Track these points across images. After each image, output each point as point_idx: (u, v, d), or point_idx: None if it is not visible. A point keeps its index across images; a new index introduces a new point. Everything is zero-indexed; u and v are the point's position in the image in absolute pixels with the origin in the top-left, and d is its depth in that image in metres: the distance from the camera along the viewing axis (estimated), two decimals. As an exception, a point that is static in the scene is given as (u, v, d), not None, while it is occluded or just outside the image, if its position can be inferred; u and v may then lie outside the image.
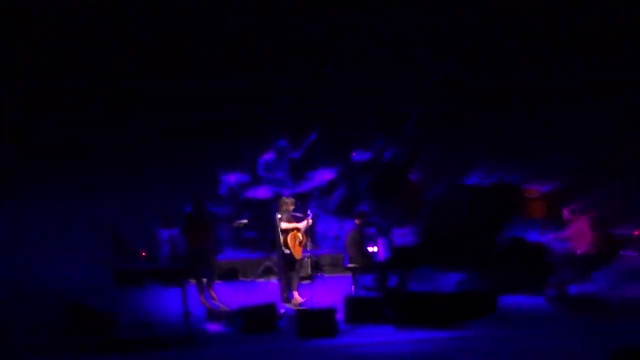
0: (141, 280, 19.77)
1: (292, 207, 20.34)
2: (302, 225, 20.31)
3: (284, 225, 19.95)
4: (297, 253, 20.35)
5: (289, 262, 20.09)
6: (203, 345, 17.97)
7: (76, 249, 22.12)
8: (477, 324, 18.87)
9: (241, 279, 22.15)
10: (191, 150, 23.84)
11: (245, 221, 21.29)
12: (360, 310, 18.85)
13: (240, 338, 18.31)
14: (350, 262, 20.65)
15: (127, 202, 23.08)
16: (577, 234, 21.29)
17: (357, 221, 20.70)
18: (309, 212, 20.66)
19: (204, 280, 20.43)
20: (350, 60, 26.60)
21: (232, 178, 22.32)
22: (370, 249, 20.96)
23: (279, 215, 20.19)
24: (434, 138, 22.96)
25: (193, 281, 20.51)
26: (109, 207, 22.95)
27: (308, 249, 20.59)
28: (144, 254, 21.24)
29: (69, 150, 25.28)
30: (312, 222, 21.00)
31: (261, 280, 21.77)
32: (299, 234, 20.15)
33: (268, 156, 23.02)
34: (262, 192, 22.19)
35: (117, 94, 26.49)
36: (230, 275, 22.55)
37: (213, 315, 19.49)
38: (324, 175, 22.12)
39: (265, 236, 21.23)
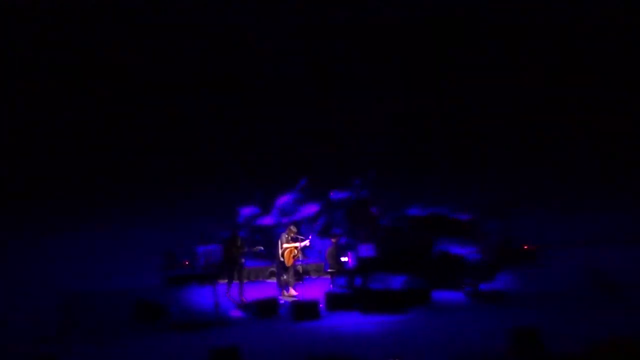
0: (185, 282, 21.74)
1: (294, 231, 21.21)
2: (302, 244, 21.30)
3: (285, 244, 20.97)
4: (288, 262, 21.21)
5: (284, 268, 21.18)
6: (228, 326, 19.74)
7: (140, 261, 23.15)
8: (417, 311, 20.34)
9: (253, 280, 22.80)
10: (217, 190, 25.46)
11: (261, 248, 21.92)
12: (336, 301, 20.47)
13: (254, 321, 20.12)
14: (329, 268, 21.74)
15: (174, 226, 24.23)
16: (487, 248, 22.22)
17: (333, 240, 21.75)
18: (310, 236, 21.72)
19: (236, 281, 21.37)
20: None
21: (246, 210, 22.87)
22: (343, 259, 21.68)
23: (285, 236, 21.06)
24: (387, 183, 23.78)
25: (223, 282, 21.59)
26: (162, 230, 24.26)
27: (300, 259, 21.79)
28: (186, 262, 22.24)
29: (130, 190, 26.98)
30: (310, 243, 21.80)
31: (268, 280, 22.63)
32: (295, 250, 21.11)
33: (287, 198, 23.26)
34: (268, 220, 22.85)
35: (164, 149, 27.45)
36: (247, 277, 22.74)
37: (236, 305, 21.06)
38: (312, 208, 22.82)
39: (271, 251, 21.83)
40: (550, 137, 30.66)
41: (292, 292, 21.48)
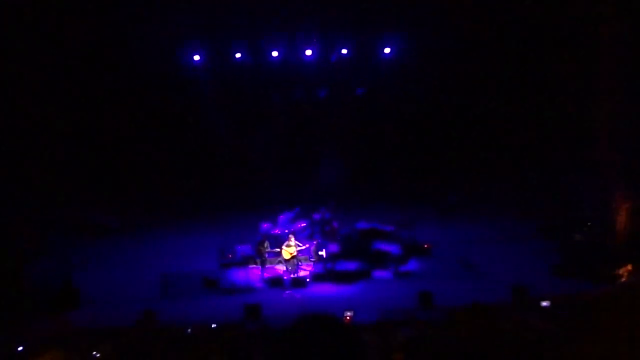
0: (230, 266, 21.82)
1: (293, 239, 21.41)
2: (300, 248, 21.42)
3: (285, 247, 21.27)
4: (286, 257, 21.30)
5: (285, 260, 21.29)
6: (254, 292, 20.44)
7: (205, 253, 22.67)
8: (363, 283, 20.92)
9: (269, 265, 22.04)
10: (249, 212, 24.09)
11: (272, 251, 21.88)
12: (316, 278, 21.16)
13: (269, 289, 20.86)
14: (312, 259, 22.08)
15: (224, 232, 23.37)
16: (402, 246, 22.50)
17: (314, 242, 22.22)
18: (306, 244, 21.90)
19: (260, 266, 21.60)
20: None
21: (264, 225, 22.51)
22: (320, 253, 22.03)
23: (288, 242, 21.38)
24: (343, 208, 23.78)
25: (252, 266, 21.89)
26: (218, 234, 23.34)
27: (300, 252, 21.53)
28: (230, 255, 22.14)
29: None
30: (304, 247, 21.71)
31: (277, 266, 22.06)
32: (292, 248, 21.30)
33: (287, 218, 22.91)
34: (277, 231, 22.43)
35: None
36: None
37: (259, 280, 21.35)
38: (302, 224, 22.73)
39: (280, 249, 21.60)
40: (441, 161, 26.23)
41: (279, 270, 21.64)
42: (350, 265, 21.55)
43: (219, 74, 24.11)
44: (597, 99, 21.14)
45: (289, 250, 21.35)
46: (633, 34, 19.63)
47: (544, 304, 16.52)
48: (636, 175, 20.36)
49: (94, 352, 12.65)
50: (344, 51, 23.94)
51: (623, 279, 18.76)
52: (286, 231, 22.30)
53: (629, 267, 18.95)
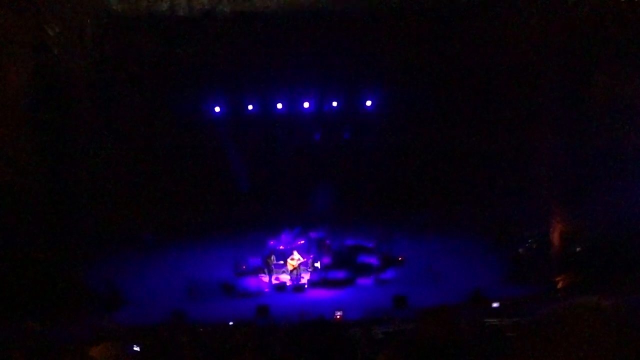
0: (244, 275, 21.66)
1: (295, 253, 21.34)
2: (300, 261, 21.25)
3: (289, 260, 21.21)
4: (291, 267, 21.23)
5: (289, 270, 21.23)
6: (263, 295, 20.33)
7: (224, 263, 22.23)
8: (350, 288, 20.92)
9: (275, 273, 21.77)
10: (260, 231, 23.62)
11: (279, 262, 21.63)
12: (312, 284, 20.96)
13: (275, 293, 20.67)
14: (309, 269, 21.61)
15: (239, 246, 23.01)
16: (381, 258, 22.22)
17: (311, 256, 21.84)
18: (305, 258, 21.65)
19: (268, 274, 21.34)
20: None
21: (271, 242, 22.43)
22: (316, 265, 21.73)
23: (291, 256, 21.32)
24: (335, 228, 23.44)
25: (262, 275, 21.72)
26: (233, 248, 22.88)
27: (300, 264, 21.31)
28: (243, 266, 21.92)
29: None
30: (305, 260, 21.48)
31: (281, 275, 21.69)
32: (295, 261, 21.21)
33: (290, 236, 22.57)
34: (282, 246, 22.16)
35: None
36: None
37: (268, 285, 21.21)
38: (301, 241, 22.45)
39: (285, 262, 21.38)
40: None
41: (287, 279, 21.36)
42: (340, 274, 21.40)
43: (235, 121, 24.42)
44: (537, 140, 21.27)
45: (292, 262, 21.10)
46: (569, 70, 19.38)
47: (495, 305, 16.62)
48: (568, 202, 20.30)
49: (134, 345, 12.61)
50: (334, 104, 24.21)
51: (560, 285, 18.91)
52: (289, 247, 22.15)
53: (564, 276, 18.97)
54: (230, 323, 16.15)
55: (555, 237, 20.34)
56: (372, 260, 21.98)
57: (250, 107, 24.41)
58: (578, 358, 1.71)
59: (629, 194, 18.11)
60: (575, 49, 18.90)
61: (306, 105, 24.41)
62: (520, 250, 21.49)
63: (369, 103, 24.62)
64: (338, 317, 16.94)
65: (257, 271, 21.70)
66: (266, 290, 20.85)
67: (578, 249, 19.33)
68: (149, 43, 20.06)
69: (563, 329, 1.77)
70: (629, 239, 17.98)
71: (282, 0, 17.58)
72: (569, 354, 1.74)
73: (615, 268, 17.56)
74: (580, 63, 19.04)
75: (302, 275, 21.15)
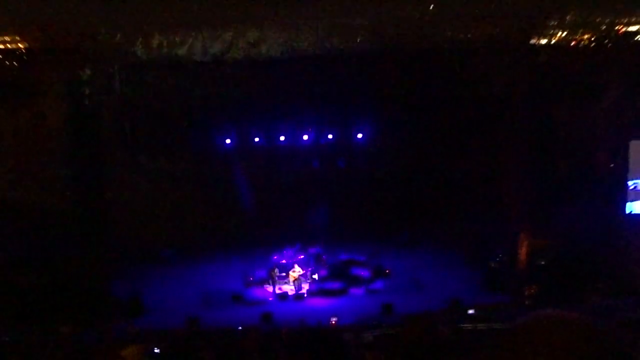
0: (251, 285, 21.48)
1: (296, 267, 21.33)
2: (300, 273, 21.16)
3: (291, 273, 21.15)
4: (292, 278, 21.14)
5: (293, 281, 21.10)
6: (268, 304, 20.06)
7: (234, 276, 22.16)
8: (343, 297, 20.72)
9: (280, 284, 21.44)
10: (261, 247, 23.15)
11: (280, 274, 21.48)
12: (311, 293, 20.70)
13: (279, 301, 20.46)
14: (308, 280, 21.42)
15: (248, 261, 22.84)
16: (372, 271, 22.10)
17: (310, 269, 21.68)
18: (306, 270, 21.63)
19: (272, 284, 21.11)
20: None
21: (275, 257, 22.20)
22: (314, 276, 21.65)
23: (293, 269, 21.27)
24: (328, 246, 23.24)
25: (267, 285, 21.52)
26: (242, 263, 22.80)
27: (300, 276, 21.14)
28: (251, 278, 21.73)
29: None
30: (304, 272, 21.38)
31: (284, 285, 21.46)
32: (296, 273, 21.13)
33: (292, 251, 22.28)
34: (284, 261, 21.92)
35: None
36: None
37: (272, 295, 20.99)
38: (300, 256, 22.20)
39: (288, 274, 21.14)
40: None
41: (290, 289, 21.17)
42: (335, 285, 21.14)
43: (244, 152, 24.39)
44: (507, 168, 21.48)
45: (293, 274, 20.82)
46: (534, 106, 19.75)
47: (470, 311, 16.56)
48: (533, 222, 20.46)
49: (155, 348, 12.51)
50: (330, 136, 24.29)
51: (527, 294, 18.87)
52: (290, 261, 22.00)
53: (530, 286, 18.84)
54: (239, 328, 16.11)
55: (522, 252, 20.44)
56: (363, 272, 21.69)
57: (256, 139, 24.45)
58: None
59: (586, 214, 18.27)
60: (539, 88, 19.59)
61: (305, 137, 24.45)
62: (492, 263, 21.41)
63: (359, 135, 24.71)
64: (333, 322, 16.88)
65: (262, 282, 21.35)
66: (270, 299, 20.48)
67: (542, 263, 19.45)
68: (169, 84, 20.19)
69: (532, 338, 1.80)
70: (585, 255, 18.50)
71: (284, 48, 17.71)
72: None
73: (573, 280, 17.99)
74: (543, 100, 19.67)
75: (302, 285, 20.80)
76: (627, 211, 18.12)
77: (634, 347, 8.37)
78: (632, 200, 18.01)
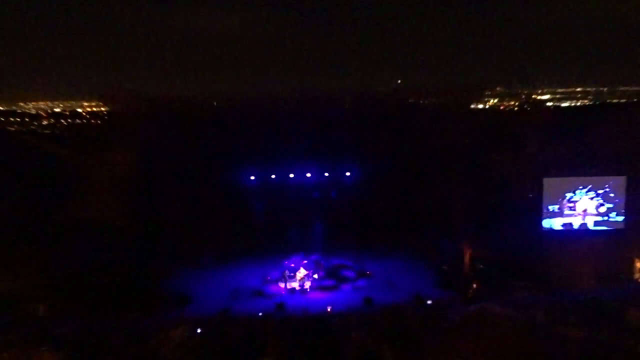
0: (268, 283, 20.58)
1: (302, 269, 20.49)
2: (304, 274, 20.41)
3: (297, 273, 20.39)
4: (299, 278, 20.31)
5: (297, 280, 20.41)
6: (280, 297, 19.21)
7: (255, 276, 21.13)
8: (335, 292, 19.67)
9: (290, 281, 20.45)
10: (275, 255, 22.06)
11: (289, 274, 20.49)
12: (312, 289, 19.85)
13: (289, 295, 19.54)
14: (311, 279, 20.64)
15: (266, 265, 21.83)
16: (357, 272, 21.26)
17: (311, 271, 20.67)
18: (308, 271, 20.69)
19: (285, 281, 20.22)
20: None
21: (285, 262, 21.09)
22: (315, 276, 20.54)
23: (299, 271, 20.49)
24: (326, 254, 22.33)
25: (281, 283, 20.35)
26: (260, 267, 21.82)
27: (304, 276, 20.37)
28: (268, 278, 20.87)
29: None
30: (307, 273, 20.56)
31: (293, 282, 20.45)
32: (301, 274, 20.40)
33: (298, 257, 21.24)
34: (294, 263, 20.92)
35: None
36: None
37: (284, 290, 20.07)
38: (304, 261, 21.13)
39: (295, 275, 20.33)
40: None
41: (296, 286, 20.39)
42: (329, 283, 20.53)
43: (264, 185, 24.08)
44: (455, 197, 21.39)
45: (299, 275, 20.17)
46: (474, 152, 20.21)
47: (429, 302, 16.49)
48: (474, 236, 20.31)
49: (197, 329, 12.31)
50: (326, 174, 24.11)
51: (470, 289, 18.17)
52: (297, 265, 21.38)
53: (472, 283, 18.47)
54: (260, 314, 16.00)
55: (466, 259, 20.35)
56: (350, 274, 21.09)
57: (273, 176, 24.36)
58: (485, 348, 1.76)
59: (514, 230, 18.77)
60: (478, 140, 20.42)
61: (308, 175, 24.39)
62: (445, 267, 21.06)
63: (348, 174, 24.59)
64: (329, 310, 16.65)
65: (277, 281, 20.57)
66: (283, 293, 19.79)
67: (481, 267, 19.50)
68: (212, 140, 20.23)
69: (474, 328, 1.83)
70: (513, 261, 18.55)
71: (287, 107, 17.95)
72: (479, 345, 1.78)
73: (504, 280, 18.31)
74: (481, 149, 20.64)
75: (306, 283, 20.13)
76: (544, 227, 18.97)
77: (549, 331, 8.40)
78: (546, 218, 18.96)
